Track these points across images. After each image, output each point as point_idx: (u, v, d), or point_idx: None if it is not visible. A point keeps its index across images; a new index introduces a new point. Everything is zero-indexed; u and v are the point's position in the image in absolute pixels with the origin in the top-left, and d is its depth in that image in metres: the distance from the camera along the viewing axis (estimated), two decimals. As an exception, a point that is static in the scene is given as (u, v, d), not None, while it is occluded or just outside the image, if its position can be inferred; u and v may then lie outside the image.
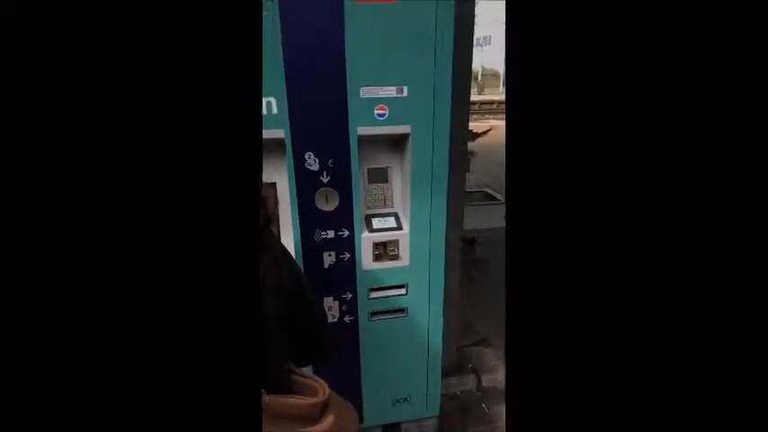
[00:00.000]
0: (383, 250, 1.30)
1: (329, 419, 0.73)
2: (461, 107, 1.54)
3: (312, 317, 0.87)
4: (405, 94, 1.19)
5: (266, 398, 0.66)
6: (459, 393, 2.10)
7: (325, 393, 0.75)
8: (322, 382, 0.77)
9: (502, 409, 1.95)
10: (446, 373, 1.98)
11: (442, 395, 1.68)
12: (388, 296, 1.37)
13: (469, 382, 2.13)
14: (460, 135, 1.60)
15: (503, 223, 2.47)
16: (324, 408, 0.74)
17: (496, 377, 2.13)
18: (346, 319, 1.35)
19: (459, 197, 1.77)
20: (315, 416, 0.72)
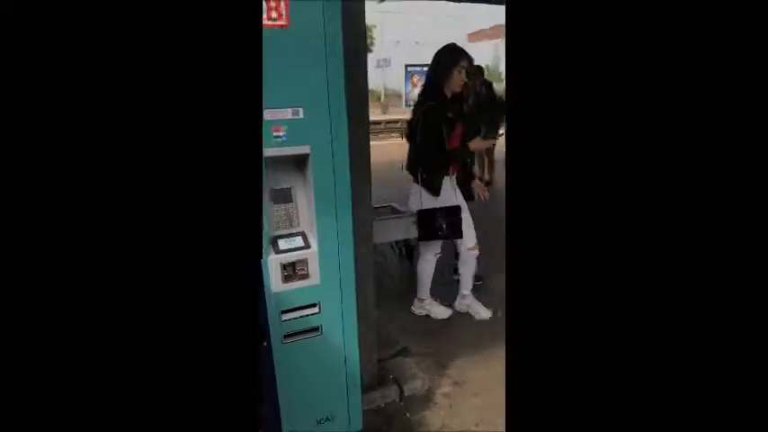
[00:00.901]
0: (292, 270, 1.30)
1: None
2: (360, 126, 1.61)
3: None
4: (301, 115, 1.21)
5: None
6: (382, 406, 2.12)
7: None
8: None
9: (424, 416, 2.00)
10: (368, 387, 2.00)
11: (365, 410, 1.69)
12: (300, 317, 1.36)
13: (392, 393, 2.16)
14: (362, 152, 1.66)
15: (407, 235, 2.59)
16: None
17: (416, 385, 2.18)
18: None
19: (366, 212, 1.83)
20: None
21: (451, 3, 5.67)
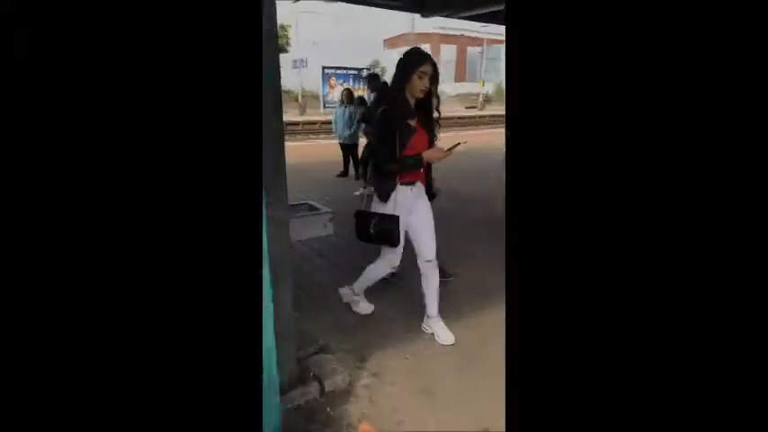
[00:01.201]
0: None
1: None
2: (274, 126, 1.61)
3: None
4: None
5: None
6: (302, 404, 2.12)
7: None
8: None
9: (344, 410, 2.05)
10: (289, 386, 1.99)
11: (285, 409, 1.69)
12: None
13: (313, 390, 2.17)
14: (275, 152, 1.66)
15: (324, 232, 2.62)
16: None
17: (336, 380, 2.22)
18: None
19: (281, 211, 1.83)
20: None
21: (367, 7, 5.81)
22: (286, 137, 1.80)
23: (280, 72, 1.69)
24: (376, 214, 2.34)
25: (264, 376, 1.50)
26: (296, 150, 7.10)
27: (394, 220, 2.31)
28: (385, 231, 2.31)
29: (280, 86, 1.71)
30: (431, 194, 2.49)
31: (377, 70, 16.19)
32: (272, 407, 1.58)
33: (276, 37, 1.69)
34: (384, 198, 2.32)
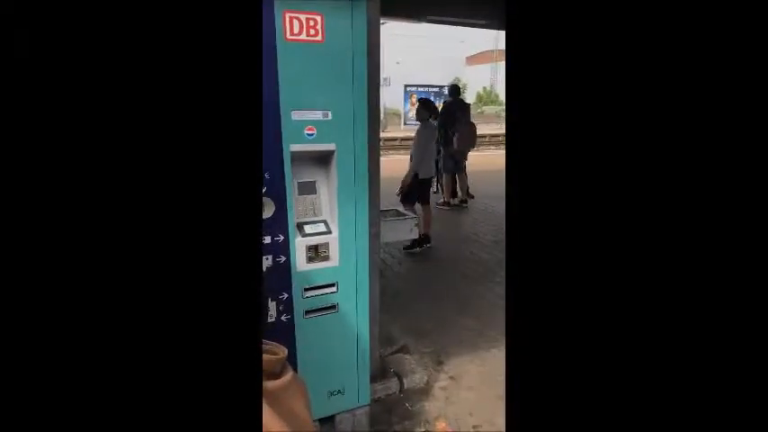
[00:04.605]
0: (315, 252, 1.47)
1: (288, 375, 0.86)
2: (374, 132, 1.79)
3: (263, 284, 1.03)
4: (329, 117, 1.40)
5: None
6: (383, 397, 2.24)
7: (284, 353, 0.88)
8: (280, 345, 0.91)
9: (422, 407, 2.13)
10: (371, 378, 2.12)
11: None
12: (320, 294, 1.52)
13: (393, 386, 2.28)
14: (375, 155, 1.84)
15: (410, 236, 2.75)
16: (283, 366, 0.88)
17: (415, 379, 2.31)
18: (283, 318, 1.47)
19: (374, 212, 1.99)
20: (277, 372, 0.86)
21: (451, 26, 5.98)
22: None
23: (379, 90, 1.87)
24: None
25: (359, 350, 1.66)
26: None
27: None
28: None
29: (378, 103, 1.89)
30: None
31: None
32: (363, 380, 1.73)
33: (378, 53, 1.88)
34: None
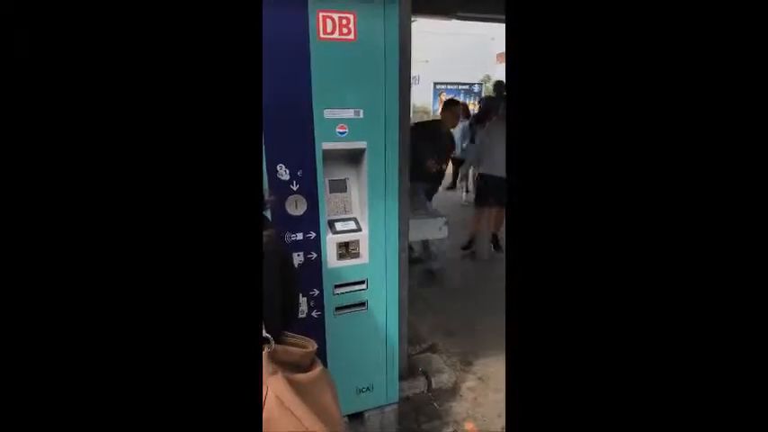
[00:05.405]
0: (345, 250, 1.48)
1: (318, 369, 0.88)
2: (405, 130, 1.79)
3: (294, 279, 1.05)
4: (361, 116, 1.41)
5: (273, 346, 0.80)
6: (410, 396, 2.24)
7: (314, 347, 0.90)
8: (310, 339, 0.93)
9: (450, 406, 2.11)
10: (398, 377, 2.13)
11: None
12: (350, 291, 1.54)
13: (420, 385, 2.28)
14: (405, 154, 1.84)
15: (439, 235, 2.73)
16: (312, 360, 0.90)
17: (443, 378, 2.29)
18: (314, 314, 1.49)
19: (406, 209, 1.99)
20: (306, 364, 0.87)
21: (481, 23, 5.90)
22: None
23: (410, 88, 1.87)
24: None
25: (388, 347, 1.66)
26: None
27: None
28: None
29: (409, 102, 1.89)
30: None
31: (488, 85, 15.99)
32: (392, 377, 1.73)
33: (410, 52, 1.88)
34: None
